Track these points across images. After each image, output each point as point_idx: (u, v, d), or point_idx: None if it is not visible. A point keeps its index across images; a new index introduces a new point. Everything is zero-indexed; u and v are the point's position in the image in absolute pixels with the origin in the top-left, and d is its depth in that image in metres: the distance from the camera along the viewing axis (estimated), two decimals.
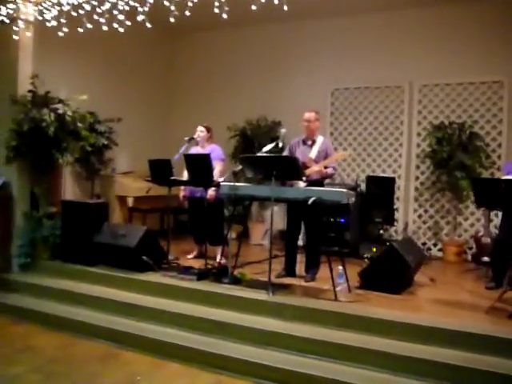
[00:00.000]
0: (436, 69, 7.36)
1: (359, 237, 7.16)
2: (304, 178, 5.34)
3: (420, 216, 7.55)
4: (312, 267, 5.80)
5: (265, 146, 8.01)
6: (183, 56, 9.47)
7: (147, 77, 9.10)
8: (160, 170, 6.13)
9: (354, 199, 5.21)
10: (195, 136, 6.56)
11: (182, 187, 6.65)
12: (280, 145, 5.80)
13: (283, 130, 5.67)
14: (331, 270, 5.09)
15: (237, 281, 5.52)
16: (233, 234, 7.92)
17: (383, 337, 4.36)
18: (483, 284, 5.72)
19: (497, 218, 6.76)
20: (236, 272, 5.67)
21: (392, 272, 5.27)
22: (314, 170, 5.56)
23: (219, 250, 6.68)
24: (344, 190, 5.13)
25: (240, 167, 5.62)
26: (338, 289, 5.09)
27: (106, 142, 7.45)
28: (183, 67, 9.50)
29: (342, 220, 7.00)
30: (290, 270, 5.91)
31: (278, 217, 8.07)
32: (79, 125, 6.41)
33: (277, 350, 4.50)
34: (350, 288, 5.28)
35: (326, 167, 5.64)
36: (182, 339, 4.74)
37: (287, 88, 8.42)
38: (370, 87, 7.85)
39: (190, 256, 6.81)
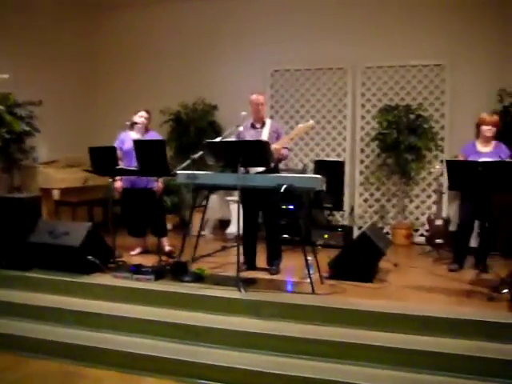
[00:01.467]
0: (379, 51, 7.23)
1: (309, 223, 6.89)
2: (272, 164, 4.96)
3: (366, 200, 7.44)
4: (275, 258, 5.47)
5: (202, 130, 7.67)
6: (110, 34, 8.62)
7: (69, 56, 8.17)
8: (103, 159, 5.45)
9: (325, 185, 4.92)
10: (138, 121, 5.93)
11: (119, 177, 5.99)
12: (240, 128, 5.36)
13: (243, 113, 5.21)
14: (307, 262, 4.79)
15: (198, 278, 5.03)
16: (168, 226, 7.43)
17: (373, 329, 4.11)
18: (443, 266, 5.71)
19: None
20: (194, 268, 5.19)
21: (365, 260, 5.05)
22: (273, 147, 5.15)
23: (165, 241, 6.17)
24: (318, 175, 4.81)
25: (199, 154, 5.12)
26: (308, 280, 4.78)
27: (27, 129, 6.56)
28: (110, 47, 8.65)
29: (292, 207, 6.69)
30: (250, 263, 5.54)
31: (216, 205, 7.71)
32: (1, 107, 5.54)
33: (261, 352, 4.10)
34: (322, 279, 5.01)
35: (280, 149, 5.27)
36: (151, 349, 4.19)
37: (224, 69, 7.94)
38: (312, 69, 7.57)
39: (134, 252, 6.20)
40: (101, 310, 4.63)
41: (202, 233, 7.53)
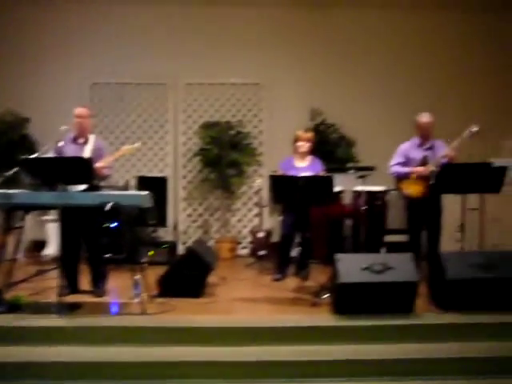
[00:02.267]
0: (200, 68, 7.42)
1: (133, 241, 6.76)
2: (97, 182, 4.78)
3: (189, 215, 7.53)
4: (100, 280, 5.24)
5: (12, 144, 7.08)
6: None
7: None
8: None
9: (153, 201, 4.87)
10: None
11: None
12: (60, 144, 5.05)
13: (64, 127, 4.94)
14: (134, 281, 4.68)
15: (14, 307, 4.59)
16: None
17: (207, 345, 4.11)
18: (268, 276, 5.97)
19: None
20: (8, 296, 4.74)
21: (193, 276, 5.10)
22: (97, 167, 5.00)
23: None
24: (146, 192, 4.74)
25: (13, 171, 4.71)
26: (137, 300, 4.68)
27: None
28: None
29: (115, 225, 6.49)
30: (73, 286, 5.23)
31: (28, 225, 7.16)
32: None
33: (93, 382, 3.88)
34: (151, 298, 4.92)
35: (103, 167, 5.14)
36: None
37: (39, 80, 7.43)
38: (133, 83, 7.49)
39: None
40: None
41: (14, 257, 6.98)
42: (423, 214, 5.59)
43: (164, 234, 7.45)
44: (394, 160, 5.74)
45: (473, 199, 6.47)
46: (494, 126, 7.01)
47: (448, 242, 6.29)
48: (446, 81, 7.62)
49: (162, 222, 6.99)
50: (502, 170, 5.12)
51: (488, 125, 6.04)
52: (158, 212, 6.86)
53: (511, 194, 6.19)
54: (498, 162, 5.41)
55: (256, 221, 7.18)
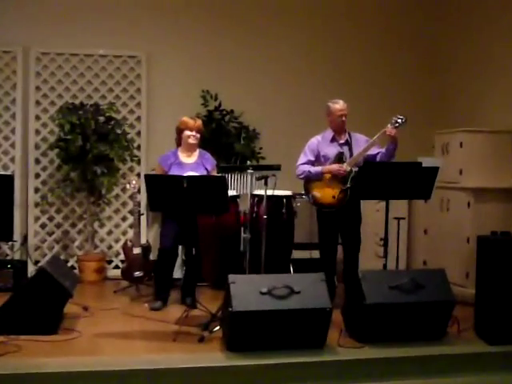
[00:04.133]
0: (59, 33, 7.18)
1: None
2: None
3: (44, 225, 7.27)
4: None
5: None
6: None
7: None
8: None
9: None
10: None
11: None
12: None
13: None
14: None
15: None
16: None
17: None
18: (144, 305, 5.92)
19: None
20: None
21: (45, 305, 4.91)
22: None
23: None
24: None
25: None
26: None
27: None
28: None
29: None
30: None
31: None
32: None
33: None
34: None
35: None
36: None
37: None
38: None
39: None
40: None
41: None
42: (338, 224, 5.72)
43: (9, 251, 7.21)
44: (302, 158, 5.84)
45: (400, 206, 6.74)
46: (420, 119, 7.39)
47: (369, 259, 6.53)
48: (365, 66, 7.93)
49: (6, 234, 6.63)
50: (434, 171, 5.34)
51: (414, 117, 6.34)
52: None
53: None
54: (423, 160, 5.64)
55: (131, 233, 7.03)
